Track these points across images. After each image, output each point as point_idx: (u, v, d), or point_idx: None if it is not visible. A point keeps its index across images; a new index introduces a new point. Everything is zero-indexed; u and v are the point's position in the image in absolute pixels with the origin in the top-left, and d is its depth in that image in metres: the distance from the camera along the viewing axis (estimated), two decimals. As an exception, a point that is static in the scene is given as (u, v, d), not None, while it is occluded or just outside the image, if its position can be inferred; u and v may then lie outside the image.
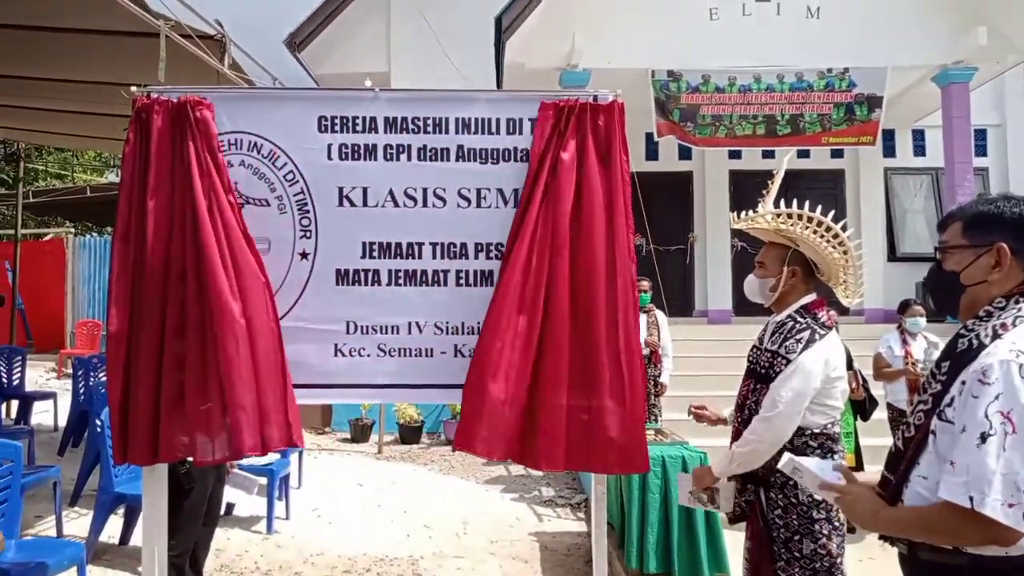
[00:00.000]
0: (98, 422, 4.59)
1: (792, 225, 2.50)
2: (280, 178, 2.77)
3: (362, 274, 2.77)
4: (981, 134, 10.23)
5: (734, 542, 3.24)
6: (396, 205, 2.78)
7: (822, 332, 2.47)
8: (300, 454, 6.03)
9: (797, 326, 2.49)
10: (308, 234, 2.77)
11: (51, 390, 8.66)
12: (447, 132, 2.79)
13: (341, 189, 2.78)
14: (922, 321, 5.55)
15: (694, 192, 10.65)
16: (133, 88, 2.71)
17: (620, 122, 2.74)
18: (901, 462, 1.66)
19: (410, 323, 2.77)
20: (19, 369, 7.71)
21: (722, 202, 10.18)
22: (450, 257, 2.78)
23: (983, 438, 1.45)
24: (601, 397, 2.60)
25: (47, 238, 15.81)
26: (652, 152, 10.17)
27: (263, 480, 4.78)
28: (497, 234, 2.77)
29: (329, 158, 2.78)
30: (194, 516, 3.73)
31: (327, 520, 5.31)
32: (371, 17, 10.17)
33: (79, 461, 5.55)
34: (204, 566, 3.97)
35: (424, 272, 2.78)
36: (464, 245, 2.78)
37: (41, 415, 7.85)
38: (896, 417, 5.51)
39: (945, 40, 8.51)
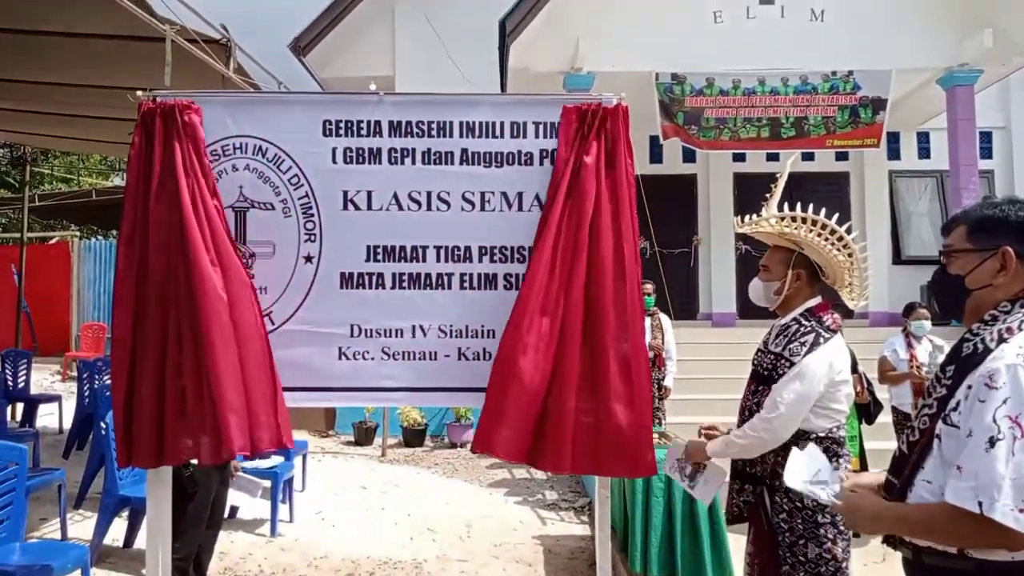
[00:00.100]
0: (102, 425, 4.60)
1: (796, 228, 2.49)
2: (285, 182, 2.78)
3: (366, 277, 2.78)
4: (986, 137, 10.20)
5: (738, 546, 3.23)
6: (400, 209, 2.79)
7: (827, 335, 2.47)
8: (304, 457, 6.04)
9: (802, 329, 2.49)
10: (312, 238, 2.78)
11: (56, 393, 8.70)
12: (451, 136, 2.80)
13: (346, 193, 2.79)
14: (927, 324, 5.53)
15: (698, 195, 10.63)
16: (139, 92, 2.72)
17: (624, 125, 2.74)
18: (905, 466, 1.66)
19: (414, 326, 2.77)
20: (24, 372, 7.75)
21: (726, 205, 10.17)
22: (454, 260, 2.78)
23: (991, 442, 1.45)
24: (608, 400, 2.60)
25: (53, 241, 15.88)
26: (656, 155, 10.17)
27: (267, 483, 4.79)
28: (501, 237, 2.78)
29: (334, 162, 2.79)
30: (198, 519, 3.74)
31: (331, 523, 5.31)
32: (376, 21, 10.19)
33: (84, 464, 5.56)
34: (208, 569, 3.97)
35: (428, 275, 2.78)
36: (468, 248, 2.78)
37: (46, 418, 7.88)
38: (901, 421, 5.49)
39: (950, 42, 8.48)
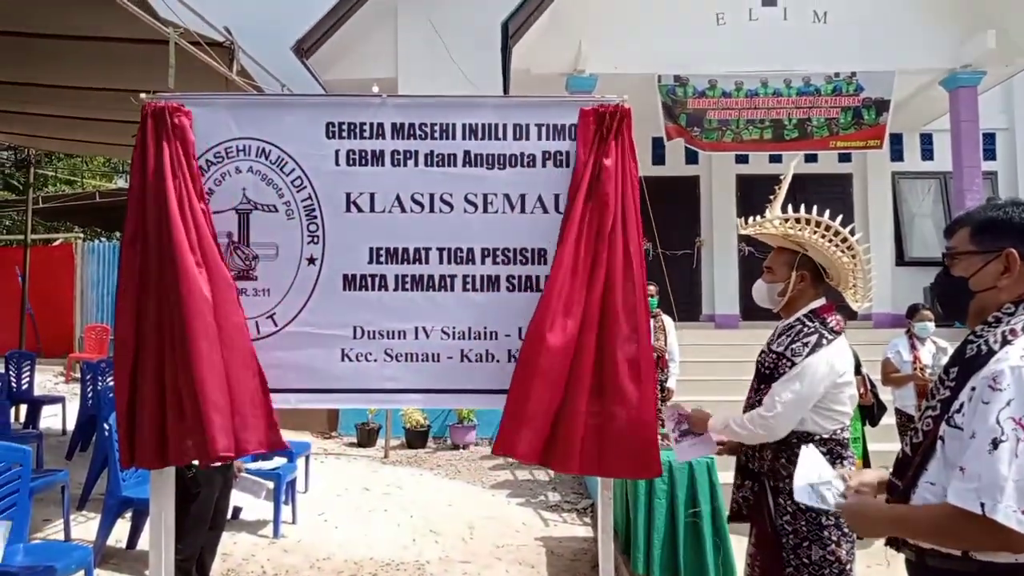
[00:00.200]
0: (106, 426, 4.61)
1: (800, 230, 2.49)
2: (288, 184, 2.79)
3: (369, 279, 2.78)
4: (990, 138, 10.18)
5: (739, 547, 3.23)
6: (403, 211, 2.79)
7: (830, 337, 2.47)
8: (307, 458, 6.04)
9: (805, 330, 2.49)
10: (316, 239, 2.78)
11: (59, 394, 8.71)
12: (454, 138, 2.80)
13: (349, 195, 2.79)
14: (931, 326, 5.52)
15: (701, 196, 10.62)
16: (142, 95, 2.73)
17: (628, 128, 2.74)
18: (909, 468, 1.65)
19: (417, 328, 2.77)
20: (28, 373, 7.76)
21: (729, 206, 10.16)
22: (457, 262, 2.79)
23: (995, 444, 1.44)
24: (616, 402, 2.61)
25: (56, 243, 15.93)
26: (659, 157, 10.16)
27: (270, 484, 4.79)
28: (503, 239, 2.78)
29: (337, 164, 2.79)
30: (201, 520, 3.74)
31: (333, 524, 5.32)
32: (379, 23, 10.20)
33: (87, 465, 5.57)
34: (211, 570, 3.98)
35: (431, 277, 2.79)
36: (471, 250, 2.79)
37: (49, 419, 7.89)
38: (904, 422, 5.47)
39: (953, 44, 8.47)
